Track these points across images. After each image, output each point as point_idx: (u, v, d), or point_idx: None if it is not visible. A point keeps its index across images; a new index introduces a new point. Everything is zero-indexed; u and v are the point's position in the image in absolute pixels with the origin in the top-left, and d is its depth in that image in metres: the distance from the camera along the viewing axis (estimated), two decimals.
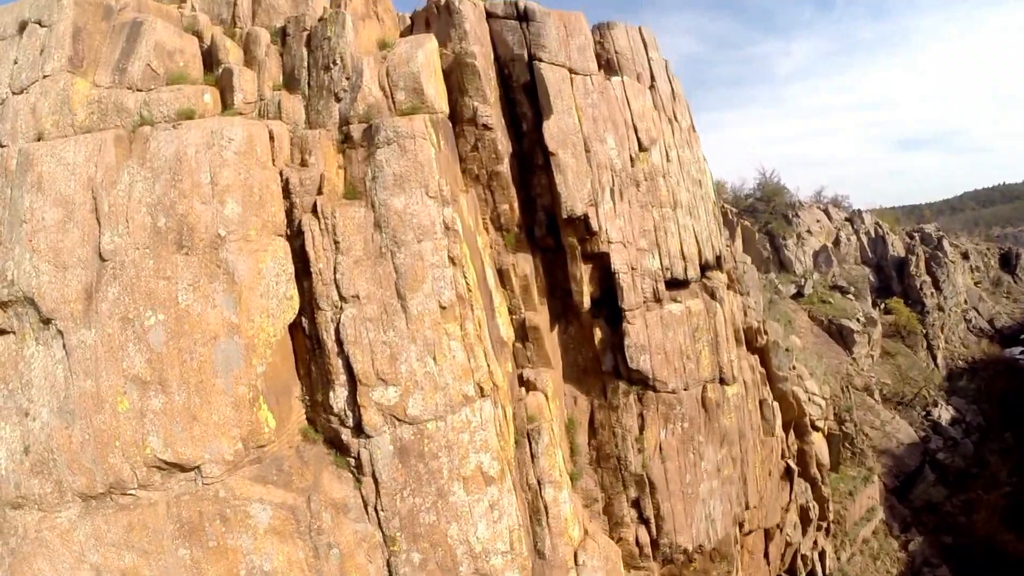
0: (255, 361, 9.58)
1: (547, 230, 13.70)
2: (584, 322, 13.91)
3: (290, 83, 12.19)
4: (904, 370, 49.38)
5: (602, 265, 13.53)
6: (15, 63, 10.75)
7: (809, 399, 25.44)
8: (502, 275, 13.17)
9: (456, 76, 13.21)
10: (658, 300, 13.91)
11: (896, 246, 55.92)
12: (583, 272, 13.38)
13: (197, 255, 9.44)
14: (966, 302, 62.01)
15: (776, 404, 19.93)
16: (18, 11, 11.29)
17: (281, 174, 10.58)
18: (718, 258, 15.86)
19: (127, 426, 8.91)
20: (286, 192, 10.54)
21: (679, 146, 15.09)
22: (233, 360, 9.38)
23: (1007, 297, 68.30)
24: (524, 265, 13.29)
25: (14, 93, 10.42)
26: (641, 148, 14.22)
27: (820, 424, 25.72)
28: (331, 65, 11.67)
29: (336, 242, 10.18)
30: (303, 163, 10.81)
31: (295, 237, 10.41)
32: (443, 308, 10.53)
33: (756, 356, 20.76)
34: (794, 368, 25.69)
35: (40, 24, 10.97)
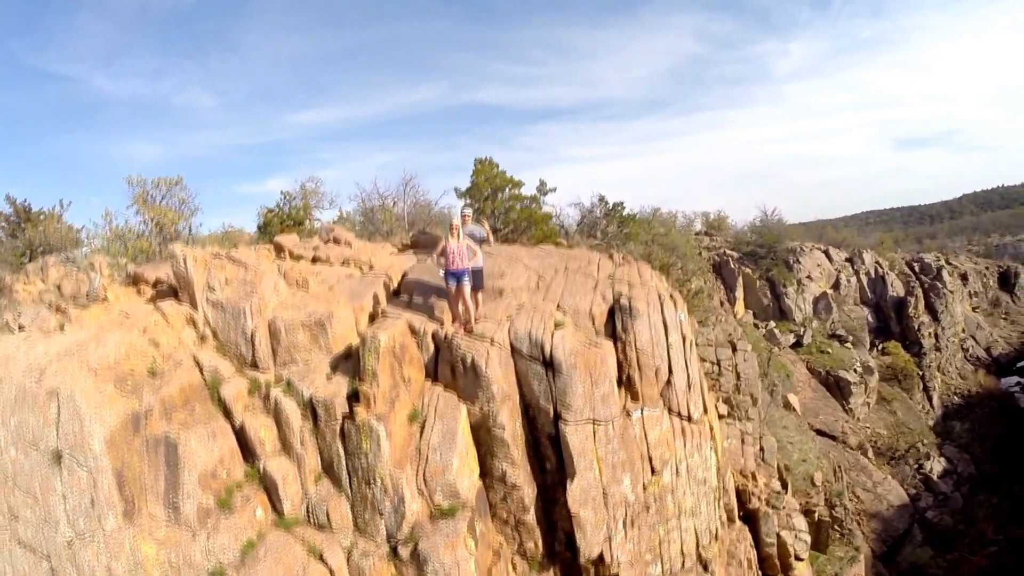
0: None
1: (566, 546, 15.43)
2: None
3: (330, 474, 13.50)
4: (900, 419, 51.14)
5: None
6: (64, 498, 11.01)
7: (796, 537, 27.22)
8: None
9: (485, 437, 14.59)
10: None
11: (895, 286, 57.19)
12: None
13: None
14: (964, 331, 63.53)
15: None
16: (42, 432, 11.27)
17: None
18: (715, 535, 17.55)
19: None
20: None
21: (688, 455, 16.18)
22: None
23: (1005, 319, 69.68)
24: None
25: (78, 536, 10.94)
26: (653, 472, 15.48)
27: (804, 555, 27.43)
28: (371, 482, 13.10)
29: None
30: None
31: None
32: None
33: (746, 526, 22.54)
34: (783, 508, 27.35)
35: (78, 464, 11.10)
